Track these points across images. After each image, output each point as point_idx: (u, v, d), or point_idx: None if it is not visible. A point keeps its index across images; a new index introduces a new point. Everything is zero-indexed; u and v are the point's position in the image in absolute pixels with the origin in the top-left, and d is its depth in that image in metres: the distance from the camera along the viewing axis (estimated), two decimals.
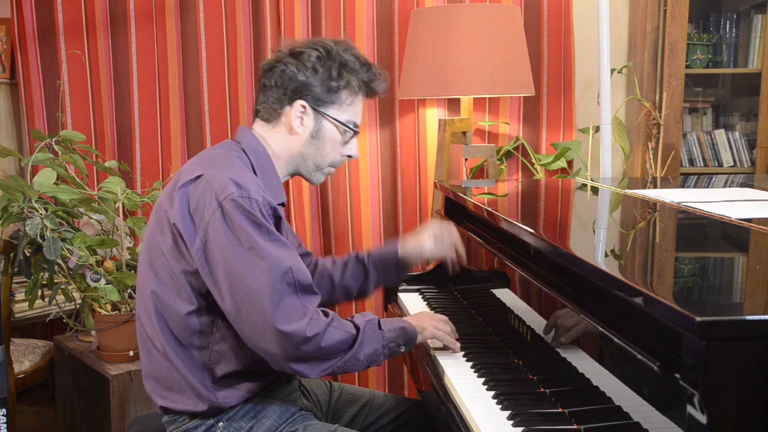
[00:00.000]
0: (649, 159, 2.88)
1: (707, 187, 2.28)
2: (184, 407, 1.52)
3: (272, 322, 1.37)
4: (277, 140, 1.60)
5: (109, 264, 2.26)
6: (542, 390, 1.43)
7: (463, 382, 1.50)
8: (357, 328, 1.48)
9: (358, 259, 1.87)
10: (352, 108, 1.62)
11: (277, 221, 1.50)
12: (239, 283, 1.39)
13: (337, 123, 1.60)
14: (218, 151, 1.57)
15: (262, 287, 1.38)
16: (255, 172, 1.55)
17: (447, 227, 1.89)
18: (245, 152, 1.57)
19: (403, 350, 1.56)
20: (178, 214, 1.45)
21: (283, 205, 1.62)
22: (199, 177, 1.46)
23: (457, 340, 1.67)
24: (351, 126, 1.62)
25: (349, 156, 1.66)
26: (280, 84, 1.56)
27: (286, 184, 2.89)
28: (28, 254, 2.22)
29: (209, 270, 1.43)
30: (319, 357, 1.42)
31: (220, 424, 1.53)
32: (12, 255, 2.28)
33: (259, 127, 1.62)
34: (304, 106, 1.57)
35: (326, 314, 1.46)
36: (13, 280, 2.40)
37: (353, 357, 1.46)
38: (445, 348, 1.67)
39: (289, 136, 1.59)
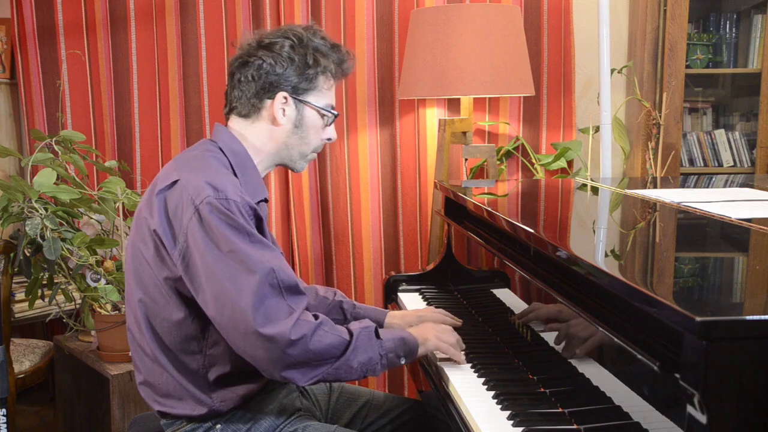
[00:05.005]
0: (649, 159, 2.88)
1: (707, 187, 2.28)
2: (182, 412, 1.52)
3: (254, 326, 1.34)
4: (258, 134, 1.60)
5: (109, 264, 2.26)
6: (542, 390, 1.43)
7: (463, 382, 1.50)
8: (351, 334, 1.44)
9: (341, 306, 1.82)
10: (329, 92, 1.62)
11: (258, 222, 1.47)
12: (220, 289, 1.37)
13: (318, 109, 1.60)
14: (194, 152, 1.57)
15: (243, 291, 1.35)
16: (234, 171, 1.54)
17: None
18: (222, 151, 1.56)
19: (403, 362, 1.51)
20: (157, 221, 1.44)
21: (266, 201, 1.61)
22: (175, 182, 1.45)
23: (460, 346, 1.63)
24: (330, 110, 1.62)
25: (329, 139, 1.66)
26: (257, 78, 1.56)
27: (284, 182, 2.89)
28: (28, 254, 2.22)
29: (191, 277, 1.41)
30: (307, 362, 1.38)
31: (218, 426, 1.52)
32: (12, 255, 2.28)
33: (237, 124, 1.61)
34: (285, 98, 1.56)
35: (316, 317, 1.42)
36: (13, 280, 2.40)
37: (345, 364, 1.42)
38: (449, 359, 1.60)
39: (272, 128, 1.59)
